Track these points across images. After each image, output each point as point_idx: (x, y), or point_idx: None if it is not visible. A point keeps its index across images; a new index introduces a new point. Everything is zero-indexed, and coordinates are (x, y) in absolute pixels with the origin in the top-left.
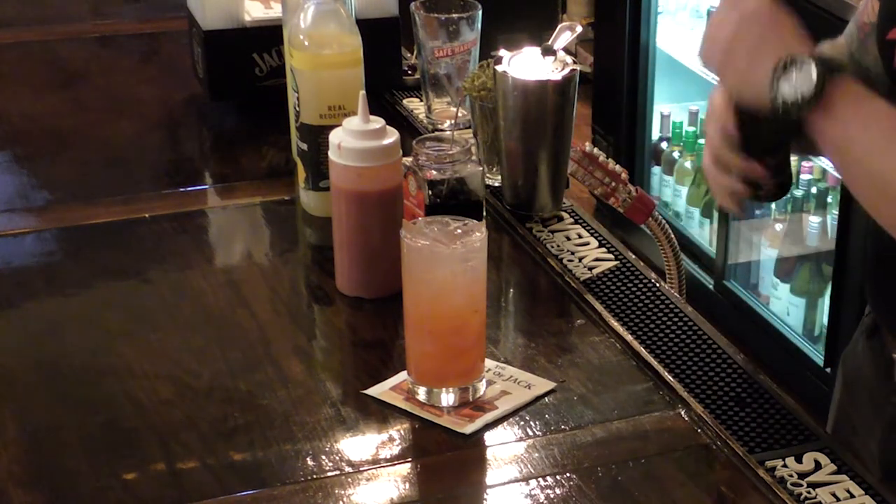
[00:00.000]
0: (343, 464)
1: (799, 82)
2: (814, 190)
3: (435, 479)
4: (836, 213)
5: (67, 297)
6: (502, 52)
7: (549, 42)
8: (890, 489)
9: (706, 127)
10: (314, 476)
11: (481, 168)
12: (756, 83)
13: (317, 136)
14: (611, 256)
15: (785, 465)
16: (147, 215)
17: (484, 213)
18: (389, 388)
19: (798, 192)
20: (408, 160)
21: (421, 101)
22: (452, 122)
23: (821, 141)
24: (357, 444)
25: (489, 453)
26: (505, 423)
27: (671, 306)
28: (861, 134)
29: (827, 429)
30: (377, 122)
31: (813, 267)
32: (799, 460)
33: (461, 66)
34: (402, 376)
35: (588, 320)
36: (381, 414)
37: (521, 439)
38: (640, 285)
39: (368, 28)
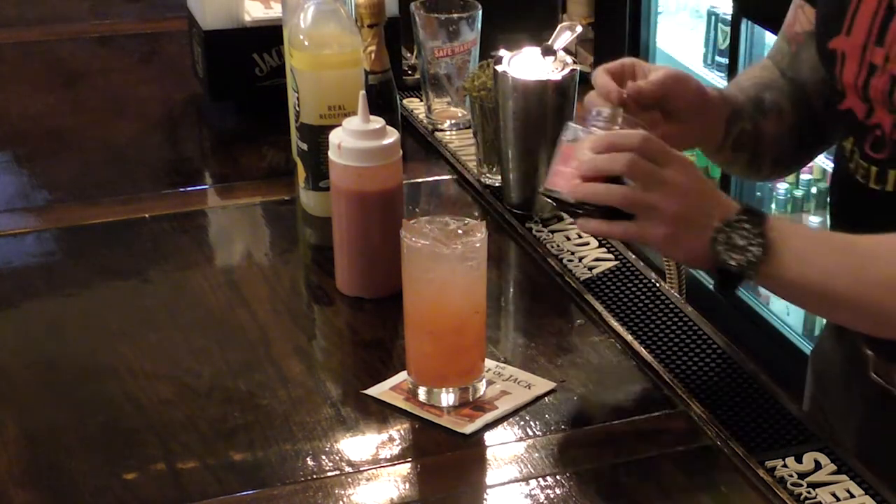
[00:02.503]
0: (343, 464)
1: (744, 243)
2: (814, 190)
3: (435, 479)
4: None
5: (67, 297)
6: (502, 52)
7: (549, 42)
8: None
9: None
10: (314, 476)
11: None
12: (699, 254)
13: (317, 136)
14: (611, 256)
15: (785, 465)
16: (147, 215)
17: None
18: (389, 388)
19: (798, 192)
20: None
21: (421, 101)
22: (452, 121)
23: (773, 286)
24: (357, 444)
25: (489, 453)
26: (505, 423)
27: (671, 306)
28: (816, 267)
29: None
30: (377, 122)
31: None
32: (799, 460)
33: (461, 66)
34: (402, 376)
35: (588, 320)
36: (381, 414)
37: (521, 439)
38: (640, 285)
39: None
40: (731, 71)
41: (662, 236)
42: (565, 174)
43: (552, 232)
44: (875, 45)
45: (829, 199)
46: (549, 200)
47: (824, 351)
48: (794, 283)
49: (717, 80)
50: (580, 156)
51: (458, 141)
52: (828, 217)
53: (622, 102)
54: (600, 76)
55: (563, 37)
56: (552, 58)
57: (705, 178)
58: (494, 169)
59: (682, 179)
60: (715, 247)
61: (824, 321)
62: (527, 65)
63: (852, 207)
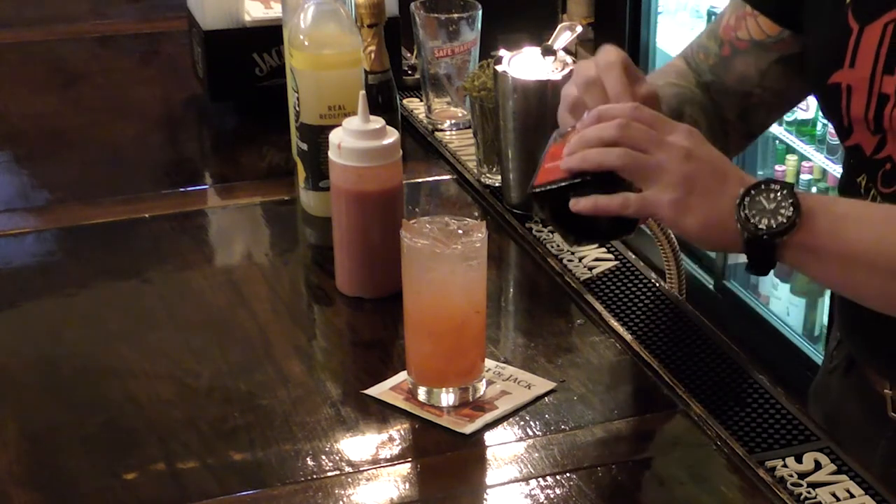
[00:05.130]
0: (343, 464)
1: (773, 206)
2: (814, 190)
3: (435, 479)
4: None
5: (67, 297)
6: (502, 52)
7: (549, 42)
8: None
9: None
10: (314, 476)
11: None
12: (718, 222)
13: (317, 136)
14: (611, 256)
15: (785, 465)
16: (147, 215)
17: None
18: (389, 388)
19: None
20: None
21: (421, 101)
22: (452, 121)
23: (807, 259)
24: (357, 444)
25: (489, 453)
26: (505, 423)
27: (671, 306)
28: (858, 231)
29: None
30: (377, 122)
31: None
32: (799, 460)
33: (461, 66)
34: (402, 376)
35: (588, 320)
36: (381, 414)
37: (521, 439)
38: (640, 285)
39: None
40: None
41: (670, 202)
42: (552, 169)
43: (552, 232)
44: (885, 75)
45: None
46: (538, 209)
47: (829, 388)
48: (837, 251)
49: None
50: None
51: (458, 141)
52: None
53: None
54: (615, 77)
55: (563, 37)
56: (552, 58)
57: (712, 146)
58: (494, 169)
59: (688, 143)
60: (741, 212)
61: (825, 320)
62: (527, 65)
63: None
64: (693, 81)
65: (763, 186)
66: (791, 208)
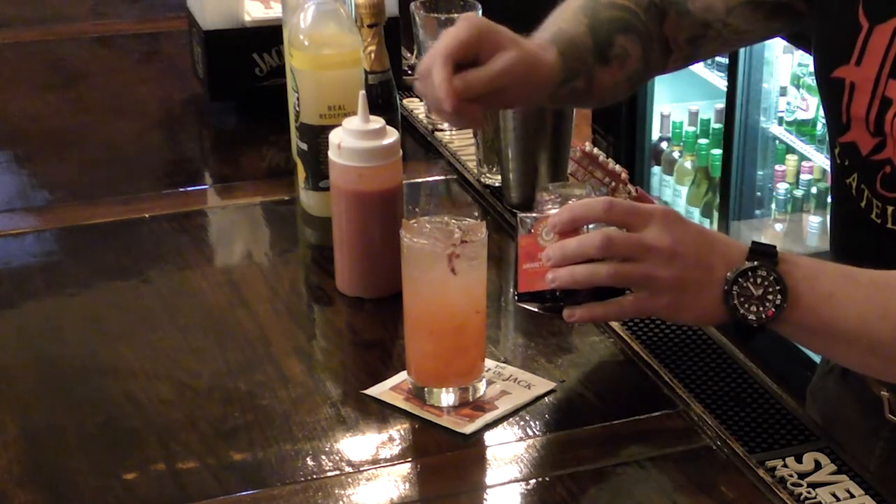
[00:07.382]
0: (343, 464)
1: (761, 292)
2: (814, 190)
3: (435, 479)
4: None
5: (67, 297)
6: None
7: None
8: None
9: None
10: (314, 476)
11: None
12: (711, 312)
13: (317, 136)
14: None
15: (785, 465)
16: (147, 215)
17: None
18: (389, 388)
19: (798, 192)
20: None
21: (421, 101)
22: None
23: (791, 332)
24: (357, 444)
25: (489, 453)
26: (505, 423)
27: None
28: (841, 311)
29: None
30: (377, 122)
31: None
32: (799, 460)
33: None
34: (402, 376)
35: None
36: (381, 414)
37: (521, 439)
38: None
39: None
40: (732, 71)
41: (665, 306)
42: (534, 272)
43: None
44: (890, 78)
45: (830, 236)
46: (527, 307)
47: (826, 390)
48: (822, 329)
49: (717, 80)
50: (542, 243)
51: (458, 141)
52: (828, 218)
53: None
54: (439, 70)
55: None
56: None
57: (690, 223)
58: (494, 169)
59: (668, 240)
60: (730, 301)
61: None
62: None
63: (866, 249)
64: (644, 4)
65: (750, 273)
66: (779, 296)
